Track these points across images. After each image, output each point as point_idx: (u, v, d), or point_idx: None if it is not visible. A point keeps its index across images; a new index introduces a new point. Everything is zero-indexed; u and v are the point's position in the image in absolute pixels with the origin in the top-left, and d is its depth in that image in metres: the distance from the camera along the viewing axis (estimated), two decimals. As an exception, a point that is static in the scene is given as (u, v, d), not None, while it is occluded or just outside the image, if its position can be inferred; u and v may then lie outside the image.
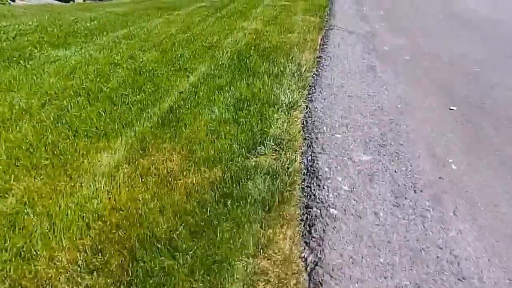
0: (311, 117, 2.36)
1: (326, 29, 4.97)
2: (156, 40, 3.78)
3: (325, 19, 5.67)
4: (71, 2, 9.14)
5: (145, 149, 1.83)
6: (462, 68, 3.91)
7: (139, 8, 6.13)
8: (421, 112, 2.82)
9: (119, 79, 2.62)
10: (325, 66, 3.41)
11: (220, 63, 3.14)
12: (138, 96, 2.36)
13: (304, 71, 3.16)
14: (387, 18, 6.69)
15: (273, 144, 1.90)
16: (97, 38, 3.71)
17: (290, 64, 3.27)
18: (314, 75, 3.20)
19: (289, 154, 1.85)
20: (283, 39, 4.07)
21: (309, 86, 2.92)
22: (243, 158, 1.76)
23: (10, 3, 7.82)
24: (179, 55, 3.28)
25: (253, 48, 3.68)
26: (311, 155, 1.93)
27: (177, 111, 2.21)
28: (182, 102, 2.32)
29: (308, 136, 2.13)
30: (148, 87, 2.51)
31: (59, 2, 8.81)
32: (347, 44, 4.35)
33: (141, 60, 3.10)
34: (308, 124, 2.27)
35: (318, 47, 4.05)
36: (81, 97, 2.36)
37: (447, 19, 7.01)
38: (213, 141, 1.91)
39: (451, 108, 2.99)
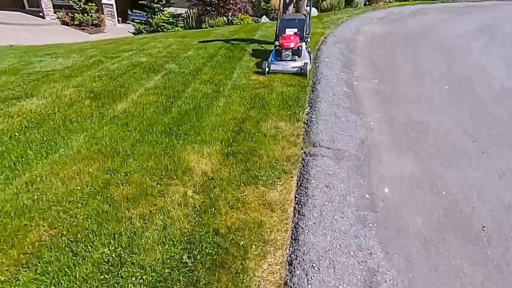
0: None
1: (305, 157, 3.57)
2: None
3: (306, 123, 4.27)
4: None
5: None
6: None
7: (67, 100, 4.62)
8: None
9: None
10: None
11: None
12: None
13: None
14: (383, 98, 5.33)
15: None
16: None
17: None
18: None
19: None
20: (236, 219, 2.65)
21: None
22: None
23: None
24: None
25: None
26: None
27: None
28: None
29: None
30: None
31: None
32: (333, 206, 2.94)
33: None
34: None
35: (288, 236, 2.61)
36: None
37: (460, 91, 5.67)
38: None
39: None
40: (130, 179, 3.02)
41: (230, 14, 16.75)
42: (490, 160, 3.84)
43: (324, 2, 17.14)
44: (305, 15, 6.65)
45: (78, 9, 23.59)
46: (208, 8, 16.79)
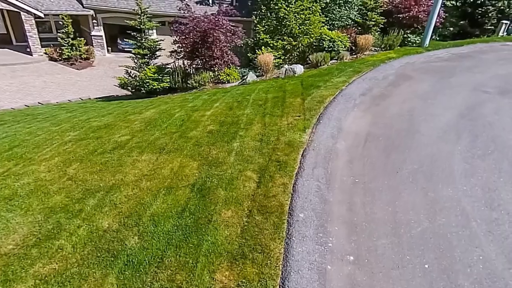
0: None
1: None
2: None
3: None
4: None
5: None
6: None
7: None
8: None
9: None
10: None
11: None
12: None
13: None
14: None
15: None
16: None
17: None
18: None
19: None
20: None
21: None
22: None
23: None
24: None
25: None
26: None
27: None
28: None
29: None
30: None
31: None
32: None
33: None
34: None
35: None
36: None
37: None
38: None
39: None
40: None
41: (216, 68, 15.81)
42: None
43: (311, 56, 16.24)
44: None
45: (66, 44, 22.32)
46: (194, 62, 15.81)
